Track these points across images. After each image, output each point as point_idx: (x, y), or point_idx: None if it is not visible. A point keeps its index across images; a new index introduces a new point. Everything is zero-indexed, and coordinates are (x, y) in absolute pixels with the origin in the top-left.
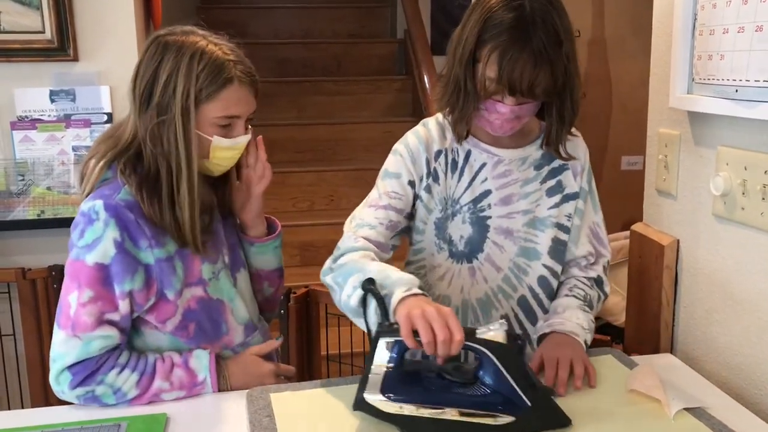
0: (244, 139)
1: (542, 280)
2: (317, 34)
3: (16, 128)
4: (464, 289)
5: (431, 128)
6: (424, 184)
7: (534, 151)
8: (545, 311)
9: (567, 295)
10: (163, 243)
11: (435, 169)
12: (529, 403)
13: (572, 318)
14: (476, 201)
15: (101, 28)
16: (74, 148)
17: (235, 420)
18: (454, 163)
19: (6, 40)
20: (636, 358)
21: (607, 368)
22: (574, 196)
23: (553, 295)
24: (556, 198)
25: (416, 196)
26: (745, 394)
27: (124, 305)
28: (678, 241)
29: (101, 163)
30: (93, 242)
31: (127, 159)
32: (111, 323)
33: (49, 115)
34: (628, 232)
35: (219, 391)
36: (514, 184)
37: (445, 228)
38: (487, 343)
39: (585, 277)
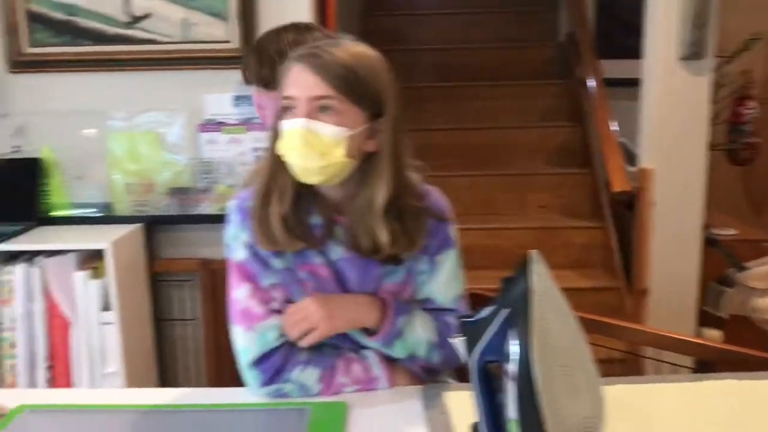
0: (294, 123)
1: None
2: (476, 40)
3: (203, 130)
4: None
5: None
6: None
7: None
8: None
9: None
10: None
11: None
12: None
13: None
14: None
15: None
16: (254, 150)
17: (410, 413)
18: None
19: (197, 50)
20: None
21: None
22: None
23: None
24: None
25: None
26: None
27: (276, 295)
28: None
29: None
30: (232, 241)
31: None
32: (277, 313)
33: (232, 119)
34: None
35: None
36: None
37: None
38: None
39: None
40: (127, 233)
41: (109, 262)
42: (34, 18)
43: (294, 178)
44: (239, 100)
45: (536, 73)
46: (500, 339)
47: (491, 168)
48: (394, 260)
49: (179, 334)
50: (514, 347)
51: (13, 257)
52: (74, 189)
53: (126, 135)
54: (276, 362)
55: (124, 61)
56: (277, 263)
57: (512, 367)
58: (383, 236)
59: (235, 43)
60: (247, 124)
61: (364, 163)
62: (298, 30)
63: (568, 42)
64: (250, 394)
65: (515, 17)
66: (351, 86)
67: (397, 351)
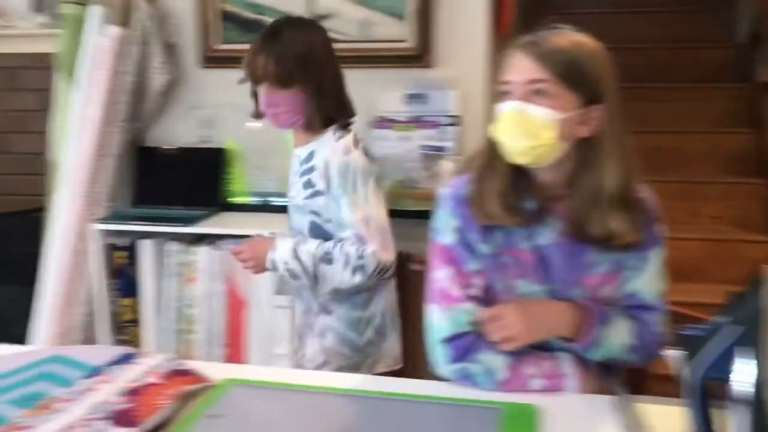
0: (508, 105)
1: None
2: (645, 39)
3: (376, 127)
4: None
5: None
6: None
7: (302, 151)
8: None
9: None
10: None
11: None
12: None
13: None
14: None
15: (455, 38)
16: (422, 147)
17: (603, 424)
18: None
19: (375, 48)
20: None
21: None
22: (320, 193)
23: None
24: (309, 192)
25: None
26: None
27: (476, 282)
28: None
29: None
30: (441, 226)
31: None
32: (475, 299)
33: (403, 117)
34: None
35: None
36: (293, 175)
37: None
38: None
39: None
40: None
41: None
42: (226, 17)
43: (508, 162)
44: (411, 98)
45: (710, 75)
46: (726, 357)
47: (660, 174)
48: (625, 249)
49: None
50: (745, 367)
51: (198, 239)
52: (254, 178)
53: None
54: (467, 342)
55: None
56: (483, 248)
57: (741, 387)
58: (616, 224)
59: (410, 42)
60: (417, 122)
61: (581, 150)
62: (314, 29)
63: (750, 42)
64: (436, 368)
65: (684, 16)
66: (566, 72)
67: (593, 355)
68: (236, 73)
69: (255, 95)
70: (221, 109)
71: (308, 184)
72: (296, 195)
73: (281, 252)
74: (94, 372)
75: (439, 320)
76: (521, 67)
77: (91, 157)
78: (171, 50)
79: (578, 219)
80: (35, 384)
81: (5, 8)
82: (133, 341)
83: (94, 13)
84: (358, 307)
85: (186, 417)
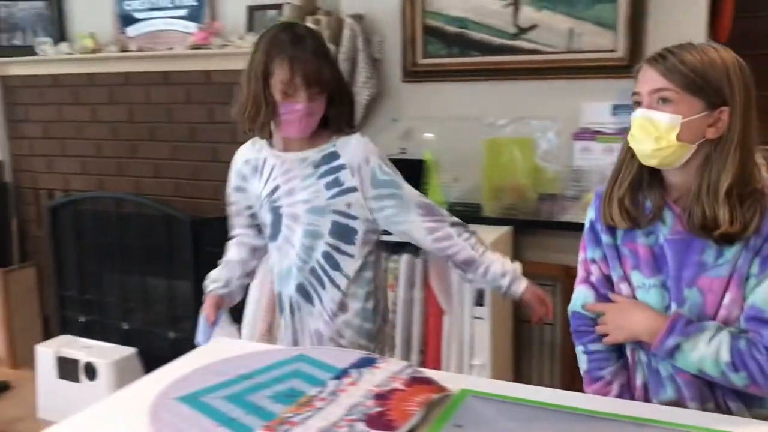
0: (636, 113)
1: (326, 255)
2: None
3: (577, 138)
4: (277, 263)
5: (248, 143)
6: (235, 185)
7: (314, 154)
8: (330, 279)
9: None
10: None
11: (244, 174)
12: None
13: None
14: (270, 194)
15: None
16: None
17: None
18: (255, 168)
19: (580, 59)
20: None
21: None
22: (352, 189)
23: (340, 267)
24: (334, 191)
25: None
26: None
27: (594, 269)
28: None
29: None
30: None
31: None
32: (592, 285)
33: (609, 128)
34: None
35: None
36: (295, 180)
37: (261, 216)
38: None
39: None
40: (499, 235)
41: None
42: (429, 31)
43: (641, 164)
44: (618, 108)
45: None
46: None
47: None
48: (727, 240)
49: (536, 336)
50: None
51: (398, 248)
52: (450, 189)
53: (501, 141)
54: (576, 323)
55: (507, 71)
56: (606, 239)
57: None
58: (721, 213)
59: (620, 52)
60: (624, 133)
61: (707, 150)
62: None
63: None
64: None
65: None
66: (688, 79)
67: (682, 364)
68: (435, 86)
69: (265, 105)
70: (420, 121)
71: (334, 183)
72: (312, 198)
73: None
74: (342, 374)
75: (573, 295)
76: (648, 79)
77: None
78: (376, 65)
79: (690, 213)
80: (289, 381)
81: (224, 28)
82: None
83: None
84: (369, 296)
85: (431, 425)
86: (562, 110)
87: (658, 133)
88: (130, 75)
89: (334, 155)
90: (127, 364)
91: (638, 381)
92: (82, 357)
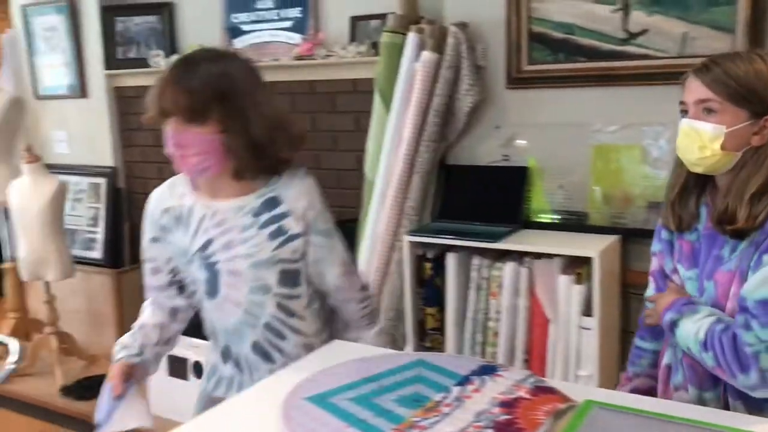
0: (682, 123)
1: (278, 306)
2: None
3: None
4: (217, 319)
5: (164, 187)
6: (152, 237)
7: (252, 201)
8: (290, 328)
9: None
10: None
11: (163, 225)
12: None
13: None
14: (202, 249)
15: None
16: None
17: None
18: (178, 218)
19: (694, 65)
20: None
21: None
22: (297, 236)
23: (293, 312)
24: (279, 239)
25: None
26: None
27: (654, 261)
28: None
29: None
30: None
31: None
32: (652, 276)
33: None
34: None
35: None
36: (232, 231)
37: (190, 273)
38: None
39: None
40: (607, 244)
41: (596, 271)
42: (534, 38)
43: (689, 172)
44: None
45: None
46: None
47: None
48: (738, 235)
49: None
50: None
51: (502, 255)
52: (554, 197)
53: (610, 147)
54: (643, 312)
55: (616, 77)
56: (664, 234)
57: None
58: (742, 212)
59: None
60: None
61: (754, 156)
62: (234, 61)
63: None
64: None
65: None
66: (731, 90)
67: (678, 341)
68: (539, 93)
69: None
70: (523, 128)
71: (278, 233)
72: (254, 251)
73: None
74: (464, 380)
75: None
76: (693, 90)
77: (403, 173)
78: (479, 72)
79: (717, 210)
80: (412, 386)
81: (327, 39)
82: (437, 348)
83: (411, 41)
84: (323, 320)
85: None
86: (672, 116)
87: (702, 142)
88: None
89: (274, 201)
90: None
91: (664, 361)
92: (191, 356)
